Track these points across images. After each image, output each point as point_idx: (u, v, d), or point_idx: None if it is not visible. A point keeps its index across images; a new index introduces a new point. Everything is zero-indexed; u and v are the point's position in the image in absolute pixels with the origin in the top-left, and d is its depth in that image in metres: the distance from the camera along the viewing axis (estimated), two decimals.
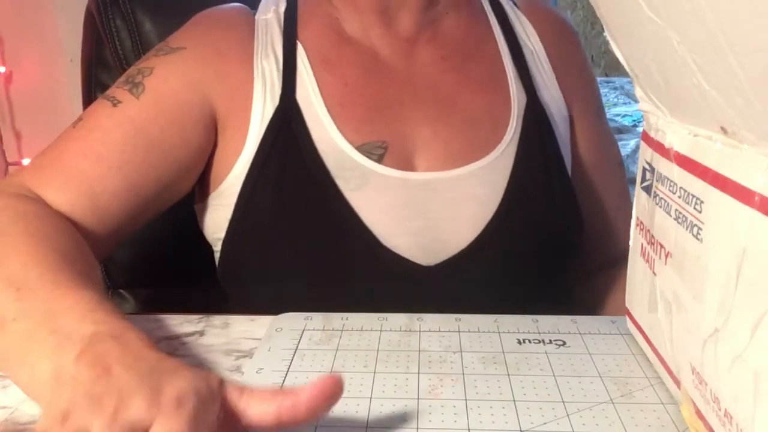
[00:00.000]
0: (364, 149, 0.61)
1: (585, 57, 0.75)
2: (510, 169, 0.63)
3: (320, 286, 0.60)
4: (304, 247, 0.61)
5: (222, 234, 0.63)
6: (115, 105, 0.60)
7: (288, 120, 0.61)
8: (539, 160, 0.64)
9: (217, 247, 0.65)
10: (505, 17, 0.71)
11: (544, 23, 0.72)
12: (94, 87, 0.82)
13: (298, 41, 0.65)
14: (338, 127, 0.61)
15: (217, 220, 0.64)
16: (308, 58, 0.64)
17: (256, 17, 0.67)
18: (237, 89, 0.62)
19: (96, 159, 0.57)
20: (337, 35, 0.66)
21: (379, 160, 0.61)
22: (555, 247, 0.66)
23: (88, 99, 0.83)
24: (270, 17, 0.67)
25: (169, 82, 0.61)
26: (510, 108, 0.65)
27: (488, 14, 0.71)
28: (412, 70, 0.66)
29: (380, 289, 0.55)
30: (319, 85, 0.63)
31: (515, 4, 0.74)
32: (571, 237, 0.67)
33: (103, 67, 0.82)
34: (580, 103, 0.72)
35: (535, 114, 0.66)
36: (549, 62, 0.70)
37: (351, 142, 0.61)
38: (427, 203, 0.61)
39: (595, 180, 0.73)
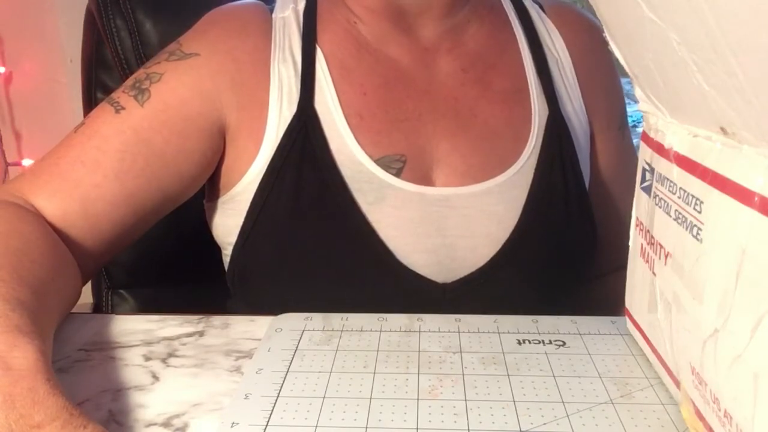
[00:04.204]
0: (383, 162, 0.60)
1: (613, 67, 0.72)
2: (528, 186, 0.62)
3: (333, 299, 0.59)
4: (319, 258, 0.60)
5: (233, 239, 0.62)
6: (117, 111, 0.58)
7: (305, 128, 0.60)
8: (558, 176, 0.63)
9: (227, 251, 0.65)
10: (530, 23, 0.69)
11: (570, 29, 0.70)
12: (94, 87, 0.82)
13: (317, 45, 0.63)
14: (357, 139, 0.60)
15: (228, 224, 0.63)
16: (327, 65, 0.62)
17: (274, 15, 0.65)
18: (252, 97, 0.61)
19: (93, 166, 0.56)
20: (356, 41, 0.64)
21: (398, 174, 0.60)
22: (570, 263, 0.65)
23: (88, 99, 0.83)
24: (288, 15, 0.65)
25: (177, 91, 0.59)
26: (531, 121, 0.64)
27: (512, 21, 0.69)
28: (431, 80, 0.64)
29: (394, 305, 0.54)
30: (338, 94, 0.61)
31: (542, 8, 0.71)
32: (586, 253, 0.66)
33: (103, 67, 0.82)
34: (603, 117, 0.70)
35: (557, 127, 0.64)
36: (574, 72, 0.68)
37: (370, 155, 0.59)
38: (444, 220, 0.60)
39: (613, 192, 0.72)
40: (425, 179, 0.61)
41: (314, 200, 0.59)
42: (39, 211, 0.55)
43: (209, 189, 0.66)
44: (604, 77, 0.71)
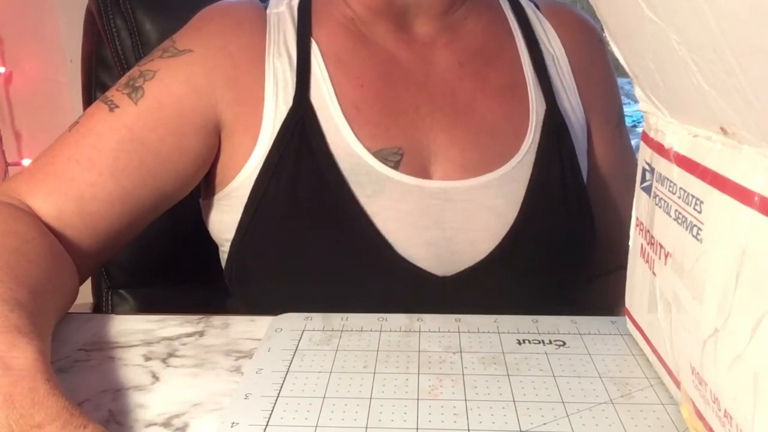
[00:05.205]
0: (381, 155, 0.60)
1: (609, 65, 0.73)
2: (527, 180, 0.62)
3: (332, 293, 0.59)
4: (318, 253, 0.59)
5: (230, 235, 0.62)
6: (112, 110, 0.58)
7: (302, 122, 0.59)
8: (556, 170, 0.63)
9: (225, 248, 0.65)
10: (526, 21, 0.69)
11: (566, 28, 0.70)
12: (94, 87, 0.82)
13: (312, 39, 0.63)
14: (354, 132, 0.60)
15: (225, 221, 0.63)
16: (323, 58, 0.62)
17: (268, 11, 0.65)
18: (247, 92, 0.61)
19: (88, 165, 0.56)
20: (352, 35, 0.64)
21: (396, 166, 0.60)
22: (569, 258, 0.65)
23: (88, 99, 0.83)
24: (282, 11, 0.65)
25: (171, 88, 0.59)
26: (528, 116, 0.64)
27: (509, 18, 0.69)
28: (429, 74, 0.64)
29: (394, 298, 0.54)
30: (334, 87, 0.61)
31: (537, 6, 0.71)
32: (585, 247, 0.66)
33: (103, 67, 0.82)
34: (600, 113, 0.70)
35: (554, 122, 0.64)
36: (570, 69, 0.68)
37: (367, 148, 0.59)
38: (442, 213, 0.60)
39: (610, 189, 0.72)
40: (423, 172, 0.61)
41: (312, 194, 0.59)
42: (34, 211, 0.55)
43: (205, 186, 0.66)
44: (600, 75, 0.71)
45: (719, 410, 0.33)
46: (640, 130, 0.46)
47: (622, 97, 0.77)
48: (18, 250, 0.47)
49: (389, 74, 0.63)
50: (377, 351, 0.47)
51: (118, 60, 0.78)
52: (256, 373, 0.45)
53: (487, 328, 0.51)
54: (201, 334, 0.51)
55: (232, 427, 0.39)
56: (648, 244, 0.43)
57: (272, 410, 0.40)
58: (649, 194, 0.43)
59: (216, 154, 0.62)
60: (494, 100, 0.64)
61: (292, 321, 0.52)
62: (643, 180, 0.45)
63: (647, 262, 0.44)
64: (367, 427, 0.39)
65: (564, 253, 0.64)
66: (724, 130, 0.32)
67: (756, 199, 0.30)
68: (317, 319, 0.52)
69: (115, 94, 0.60)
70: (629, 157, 0.74)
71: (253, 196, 0.60)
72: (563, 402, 0.41)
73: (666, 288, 0.40)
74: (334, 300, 0.54)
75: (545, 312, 0.52)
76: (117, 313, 0.71)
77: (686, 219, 0.37)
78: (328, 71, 0.62)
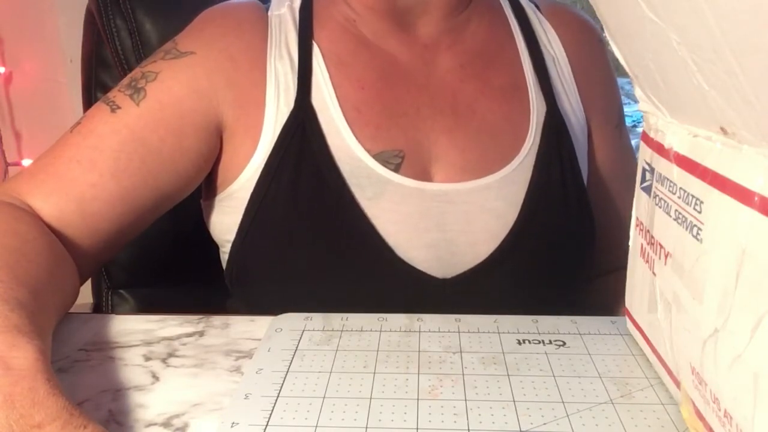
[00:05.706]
0: (381, 158, 0.60)
1: (609, 66, 0.73)
2: (527, 181, 0.62)
3: (332, 295, 0.59)
4: (318, 255, 0.60)
5: (231, 236, 0.62)
6: (113, 111, 0.58)
7: (302, 124, 0.60)
8: (557, 172, 0.63)
9: (225, 249, 0.65)
10: (526, 21, 0.69)
11: (567, 28, 0.70)
12: (94, 87, 0.82)
13: (313, 41, 0.63)
14: (354, 134, 0.60)
15: (225, 222, 0.63)
16: (324, 60, 0.62)
17: (269, 13, 0.65)
18: (248, 94, 0.61)
19: (89, 165, 0.56)
20: (353, 37, 0.64)
21: (396, 169, 0.60)
22: (569, 260, 0.65)
23: (88, 99, 0.83)
24: (284, 12, 0.65)
25: (173, 90, 0.59)
26: (529, 117, 0.64)
27: (509, 19, 0.69)
28: (430, 76, 0.64)
29: (394, 301, 0.54)
30: (335, 89, 0.61)
31: (538, 7, 0.71)
32: (585, 249, 0.66)
33: (103, 67, 0.82)
34: (600, 114, 0.70)
35: (555, 124, 0.64)
36: (570, 69, 0.68)
37: (368, 150, 0.59)
38: (443, 215, 0.60)
39: (611, 190, 0.72)
40: (424, 175, 0.61)
41: (312, 196, 0.59)
42: (35, 211, 0.55)
43: (206, 187, 0.66)
44: (600, 76, 0.71)
45: (719, 410, 0.33)
46: (640, 130, 0.46)
47: (622, 97, 0.77)
48: (18, 250, 0.47)
49: (390, 76, 0.63)
50: (377, 351, 0.47)
51: (118, 60, 0.78)
52: (256, 373, 0.45)
53: (487, 328, 0.51)
54: (201, 334, 0.51)
55: (232, 427, 0.39)
56: (648, 244, 0.43)
57: (272, 410, 0.40)
58: (649, 194, 0.43)
59: (217, 155, 0.63)
60: (495, 101, 0.64)
61: (292, 321, 0.52)
62: (643, 180, 0.45)
63: (647, 262, 0.44)
64: (367, 427, 0.39)
65: (564, 254, 0.64)
66: (724, 130, 0.32)
67: (756, 199, 0.30)
68: (317, 319, 0.52)
69: (117, 95, 0.60)
70: (629, 157, 0.74)
71: (253, 197, 0.60)
72: (563, 402, 0.41)
73: (666, 288, 0.40)
74: (333, 302, 0.54)
75: (545, 313, 0.52)
76: (117, 313, 0.71)
77: (686, 219, 0.37)
78: (329, 73, 0.62)
